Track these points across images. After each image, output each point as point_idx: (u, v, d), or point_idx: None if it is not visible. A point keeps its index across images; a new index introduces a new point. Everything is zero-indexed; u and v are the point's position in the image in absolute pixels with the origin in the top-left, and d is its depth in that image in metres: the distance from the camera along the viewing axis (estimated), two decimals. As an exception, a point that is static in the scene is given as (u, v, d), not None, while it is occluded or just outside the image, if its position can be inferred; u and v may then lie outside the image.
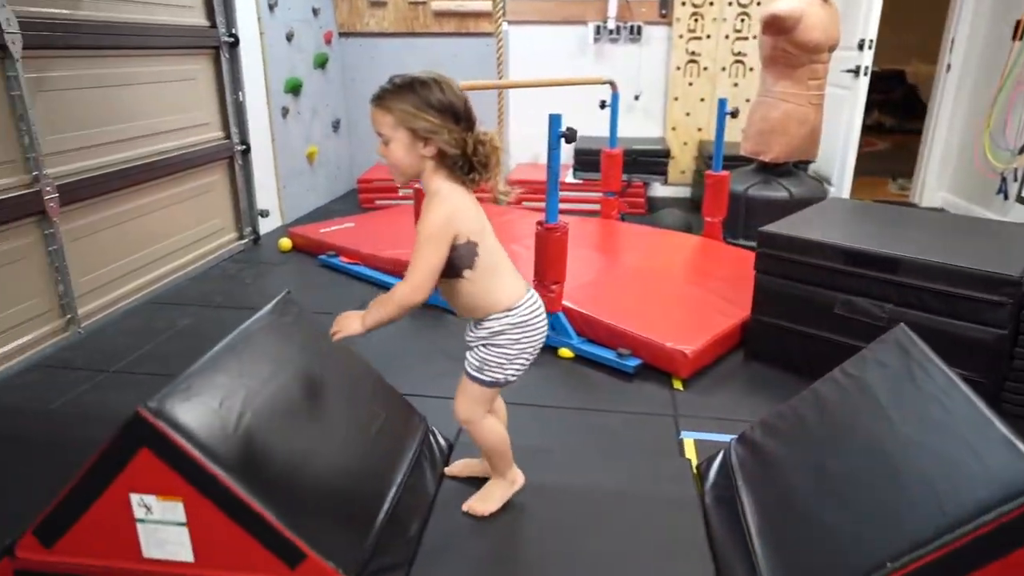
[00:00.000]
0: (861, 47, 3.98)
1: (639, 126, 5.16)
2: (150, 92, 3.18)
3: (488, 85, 3.36)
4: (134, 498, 1.35)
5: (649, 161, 4.72)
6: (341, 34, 5.21)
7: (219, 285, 3.36)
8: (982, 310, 2.03)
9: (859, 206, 2.89)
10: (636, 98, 5.08)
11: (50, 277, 2.64)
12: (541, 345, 1.55)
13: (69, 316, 2.73)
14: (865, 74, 4.01)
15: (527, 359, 1.53)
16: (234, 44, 3.71)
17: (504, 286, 1.48)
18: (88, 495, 1.36)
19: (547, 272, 2.57)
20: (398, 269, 3.32)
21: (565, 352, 2.59)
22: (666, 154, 4.78)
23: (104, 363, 2.53)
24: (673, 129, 5.13)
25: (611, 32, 4.93)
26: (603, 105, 3.92)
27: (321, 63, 4.91)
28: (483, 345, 1.50)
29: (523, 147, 5.31)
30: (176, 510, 1.34)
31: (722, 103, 3.44)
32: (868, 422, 1.49)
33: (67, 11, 2.66)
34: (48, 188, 2.54)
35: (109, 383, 2.39)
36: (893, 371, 1.55)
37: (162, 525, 1.36)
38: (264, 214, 4.12)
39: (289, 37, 4.42)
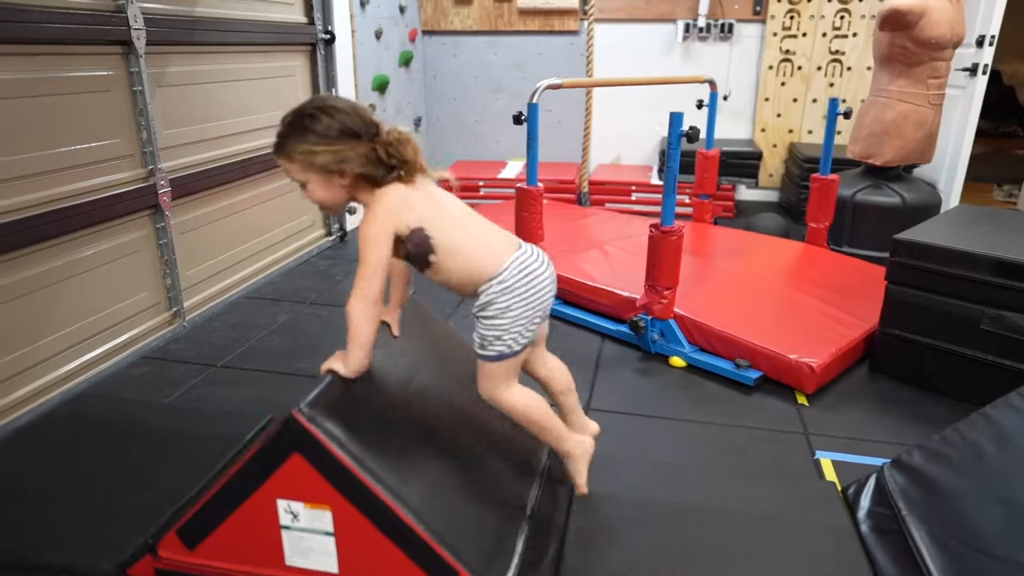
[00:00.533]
0: (980, 43, 3.74)
1: (727, 127, 4.98)
2: (253, 88, 3.19)
3: (588, 83, 3.27)
4: (281, 504, 1.31)
5: (740, 163, 4.55)
6: (424, 32, 5.19)
7: (311, 282, 3.36)
8: None
9: (996, 213, 2.68)
10: (725, 98, 4.88)
11: (160, 270, 2.67)
12: (545, 305, 1.43)
13: (175, 309, 2.75)
14: (983, 73, 3.77)
15: (525, 325, 1.40)
16: (330, 41, 3.72)
17: (479, 256, 1.37)
18: (234, 498, 1.33)
19: (660, 277, 2.46)
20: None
21: (677, 361, 2.48)
22: (758, 156, 4.60)
23: (211, 357, 2.53)
24: (762, 130, 4.94)
25: (700, 30, 4.77)
26: (700, 105, 3.78)
27: (406, 61, 4.90)
28: (477, 319, 1.41)
29: (605, 148, 5.21)
30: (324, 519, 1.30)
31: (833, 103, 3.27)
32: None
33: (185, 8, 2.69)
34: (163, 182, 2.56)
35: (218, 378, 2.39)
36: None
37: (308, 533, 1.32)
38: (351, 211, 4.12)
39: (378, 35, 4.42)
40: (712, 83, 3.68)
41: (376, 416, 1.38)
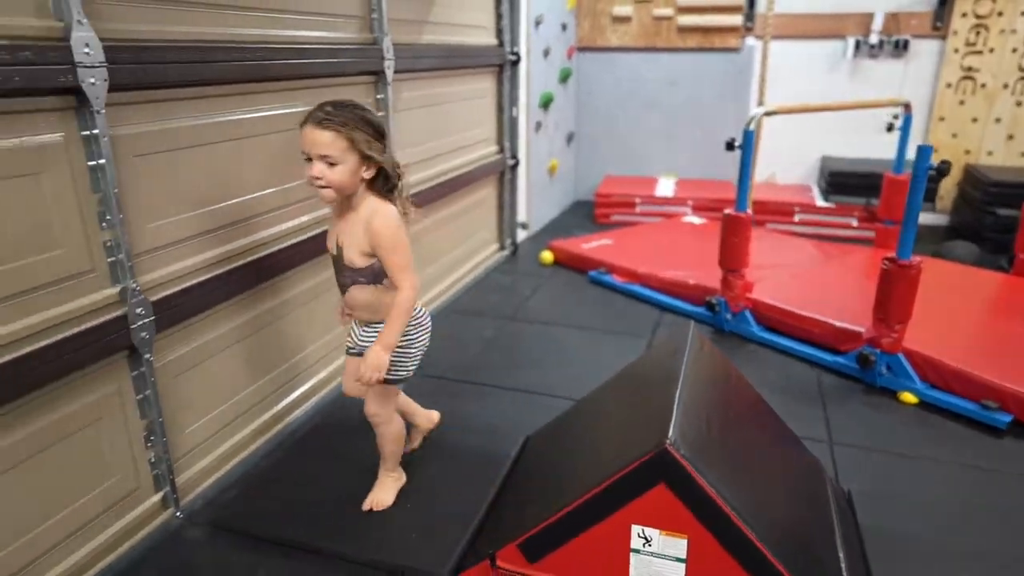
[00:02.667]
0: None
1: (893, 148, 4.82)
2: (457, 109, 3.35)
3: (799, 108, 3.25)
4: (635, 529, 1.38)
5: (915, 185, 4.37)
6: (580, 49, 5.27)
7: (500, 297, 3.48)
8: None
9: None
10: (895, 118, 4.73)
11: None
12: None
13: (395, 320, 2.92)
14: None
15: (419, 357, 1.76)
16: (516, 62, 3.84)
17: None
18: (586, 520, 1.41)
19: (893, 311, 2.42)
20: (682, 291, 3.29)
21: (908, 397, 2.43)
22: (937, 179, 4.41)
23: (437, 371, 2.66)
24: (935, 152, 4.74)
25: (872, 47, 4.64)
26: (891, 128, 3.68)
27: (565, 78, 5.00)
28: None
29: (759, 166, 5.13)
30: (678, 546, 1.36)
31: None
32: None
33: (414, 37, 2.85)
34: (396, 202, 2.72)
35: (450, 391, 2.51)
36: None
37: (658, 559, 1.38)
38: (525, 226, 4.24)
39: (546, 53, 4.53)
40: (907, 106, 3.58)
41: (725, 447, 1.43)
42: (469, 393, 2.50)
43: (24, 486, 1.45)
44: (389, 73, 2.58)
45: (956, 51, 4.51)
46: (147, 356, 1.66)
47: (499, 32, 3.74)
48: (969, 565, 1.60)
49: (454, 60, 3.23)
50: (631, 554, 1.40)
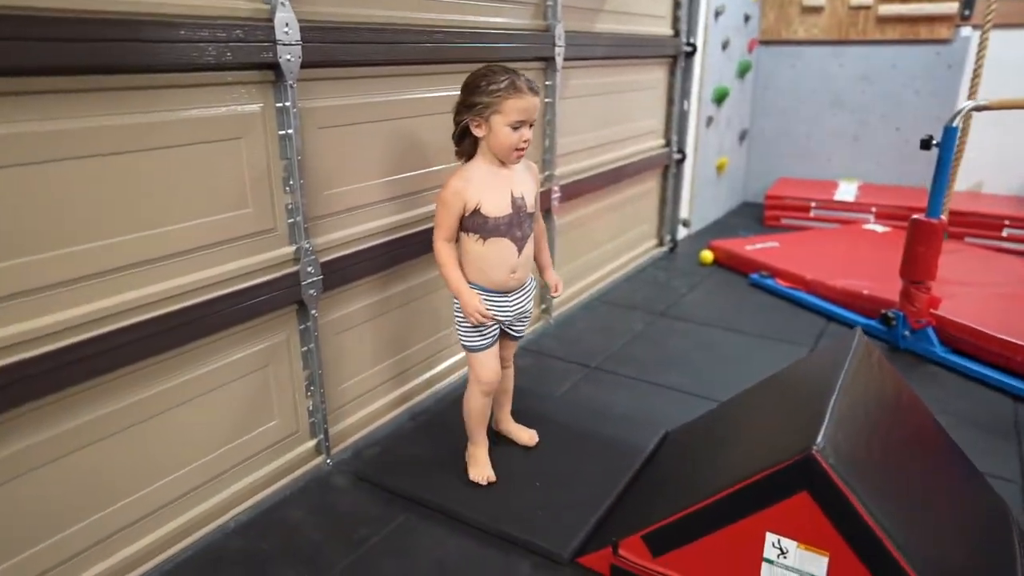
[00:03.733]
0: None
1: None
2: (623, 100, 3.31)
3: (1013, 104, 2.85)
4: (770, 538, 1.29)
5: None
6: (762, 42, 5.00)
7: (654, 292, 3.40)
8: None
9: None
10: None
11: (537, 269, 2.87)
12: None
13: (544, 306, 2.95)
14: None
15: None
16: (690, 53, 3.72)
17: None
18: (717, 519, 1.34)
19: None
20: (854, 301, 3.02)
21: None
22: None
23: (583, 358, 2.66)
24: None
25: (1125, 37, 3.95)
26: None
27: (743, 72, 4.76)
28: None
29: (962, 173, 4.56)
30: (818, 564, 1.25)
31: None
32: None
33: (587, 24, 2.86)
34: (555, 187, 2.75)
35: (594, 378, 2.50)
36: None
37: (792, 573, 1.28)
38: (686, 224, 4.11)
39: (724, 45, 4.34)
40: None
41: (868, 463, 1.30)
42: (612, 383, 2.47)
43: (204, 415, 1.64)
44: (559, 60, 2.60)
45: None
46: (313, 312, 1.81)
47: (675, 22, 3.64)
48: None
49: (626, 49, 3.19)
50: (763, 564, 1.31)
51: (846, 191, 4.68)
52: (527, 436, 1.98)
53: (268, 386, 1.79)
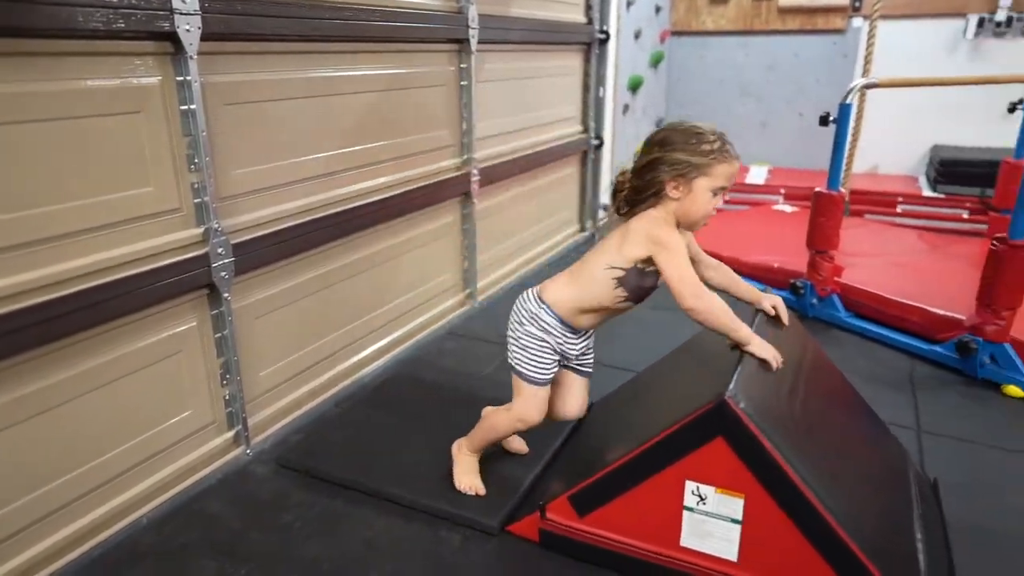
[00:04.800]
0: None
1: (1013, 136, 4.43)
2: (538, 85, 3.34)
3: (907, 82, 3.05)
4: (689, 486, 1.33)
5: (1039, 176, 4.00)
6: (674, 33, 5.15)
7: (577, 274, 3.44)
8: None
9: None
10: (1021, 102, 4.35)
11: (460, 253, 2.87)
12: None
13: (469, 291, 2.95)
14: None
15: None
16: (604, 40, 3.80)
17: None
18: (640, 473, 1.37)
19: (1001, 296, 2.22)
20: (765, 275, 3.15)
21: (1013, 390, 2.23)
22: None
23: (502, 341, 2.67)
24: (1064, 140, 4.32)
25: (998, 25, 4.28)
26: (1012, 108, 3.39)
27: (656, 62, 4.89)
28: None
29: (860, 156, 4.83)
30: (734, 506, 1.30)
31: None
32: None
33: (502, 9, 2.87)
34: (474, 171, 2.76)
35: (520, 358, 2.51)
36: None
37: (712, 518, 1.33)
38: (606, 208, 4.18)
39: (637, 35, 4.45)
40: (1033, 84, 3.27)
41: (788, 410, 1.36)
42: (537, 362, 2.48)
43: (111, 406, 1.55)
44: (473, 42, 2.61)
45: (1095, 30, 4.09)
46: (226, 295, 1.74)
47: (588, 9, 3.70)
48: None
49: (541, 34, 3.22)
50: (684, 512, 1.34)
51: (757, 175, 4.88)
52: (518, 444, 1.84)
53: (181, 374, 1.71)
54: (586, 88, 3.82)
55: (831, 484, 1.32)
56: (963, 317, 2.40)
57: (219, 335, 1.78)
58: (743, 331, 1.41)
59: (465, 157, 2.74)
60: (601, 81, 3.88)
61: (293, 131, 1.94)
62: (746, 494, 1.28)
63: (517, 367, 1.57)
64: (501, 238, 3.22)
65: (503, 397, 2.10)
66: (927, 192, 4.31)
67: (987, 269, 2.26)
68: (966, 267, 3.03)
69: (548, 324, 1.54)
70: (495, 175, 2.99)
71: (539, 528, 1.51)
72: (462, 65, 2.63)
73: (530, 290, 1.61)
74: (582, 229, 4.10)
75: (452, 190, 2.68)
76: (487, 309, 2.98)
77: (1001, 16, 4.23)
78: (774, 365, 1.40)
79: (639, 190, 1.47)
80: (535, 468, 1.75)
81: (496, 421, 1.64)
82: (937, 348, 2.45)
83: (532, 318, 1.55)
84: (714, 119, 5.09)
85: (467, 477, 1.68)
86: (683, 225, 1.48)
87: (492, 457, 1.80)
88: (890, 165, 4.86)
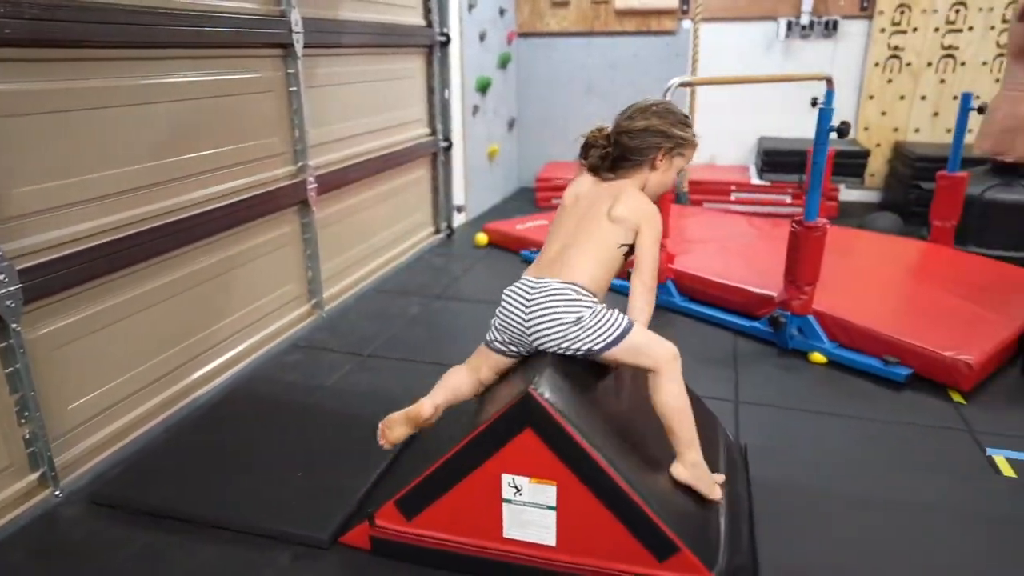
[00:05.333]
0: (1116, 37, 3.58)
1: (827, 126, 4.90)
2: (379, 89, 3.31)
3: (717, 80, 3.28)
4: (505, 479, 1.37)
5: (845, 163, 4.46)
6: (520, 34, 5.27)
7: (432, 277, 3.46)
8: None
9: None
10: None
11: (303, 263, 2.80)
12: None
13: (315, 300, 2.88)
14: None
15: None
16: (445, 43, 3.82)
17: None
18: (458, 472, 1.39)
19: (801, 273, 2.45)
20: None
21: (817, 357, 2.47)
22: (864, 155, 4.51)
23: (357, 346, 2.64)
24: (865, 129, 4.84)
25: (803, 28, 4.71)
26: (815, 103, 3.72)
27: (503, 63, 4.98)
28: None
29: (701, 148, 5.16)
30: (548, 493, 1.35)
31: (966, 98, 3.19)
32: None
33: (331, 12, 2.81)
34: (310, 178, 2.69)
35: (368, 366, 2.49)
36: None
37: (529, 507, 1.37)
38: (460, 209, 4.22)
39: (482, 37, 4.51)
40: (829, 81, 3.63)
41: (594, 398, 1.43)
42: (385, 368, 2.47)
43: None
44: (298, 47, 2.54)
45: (882, 31, 4.60)
46: (14, 326, 1.60)
47: (427, 12, 3.71)
48: (848, 509, 1.62)
49: (376, 38, 3.19)
50: (503, 505, 1.38)
51: (606, 170, 5.08)
52: None
53: (-35, 417, 1.55)
54: (431, 90, 3.83)
55: (643, 465, 1.41)
56: (775, 294, 2.63)
57: (10, 370, 1.63)
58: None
59: (299, 164, 2.67)
60: (446, 83, 3.90)
61: (100, 142, 1.81)
62: (557, 481, 1.33)
63: (616, 338, 1.39)
64: (349, 244, 3.17)
65: (345, 408, 2.08)
66: (756, 180, 4.68)
67: (789, 249, 2.49)
68: (784, 248, 3.31)
69: (591, 300, 1.45)
70: (336, 181, 2.93)
71: (370, 536, 1.50)
72: (289, 70, 2.56)
73: (553, 281, 1.46)
74: (437, 231, 4.11)
75: (287, 199, 2.60)
76: (336, 318, 2.92)
77: (805, 20, 4.66)
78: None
79: (631, 151, 1.52)
80: (372, 475, 1.73)
81: (673, 398, 1.40)
82: (756, 324, 2.66)
83: (577, 302, 1.42)
84: (563, 118, 5.29)
85: (711, 478, 1.48)
86: (652, 194, 1.56)
87: (322, 468, 1.76)
88: (726, 156, 5.23)
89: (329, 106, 2.88)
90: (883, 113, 4.78)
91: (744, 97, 4.92)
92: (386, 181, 3.46)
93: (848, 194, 5.00)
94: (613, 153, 1.54)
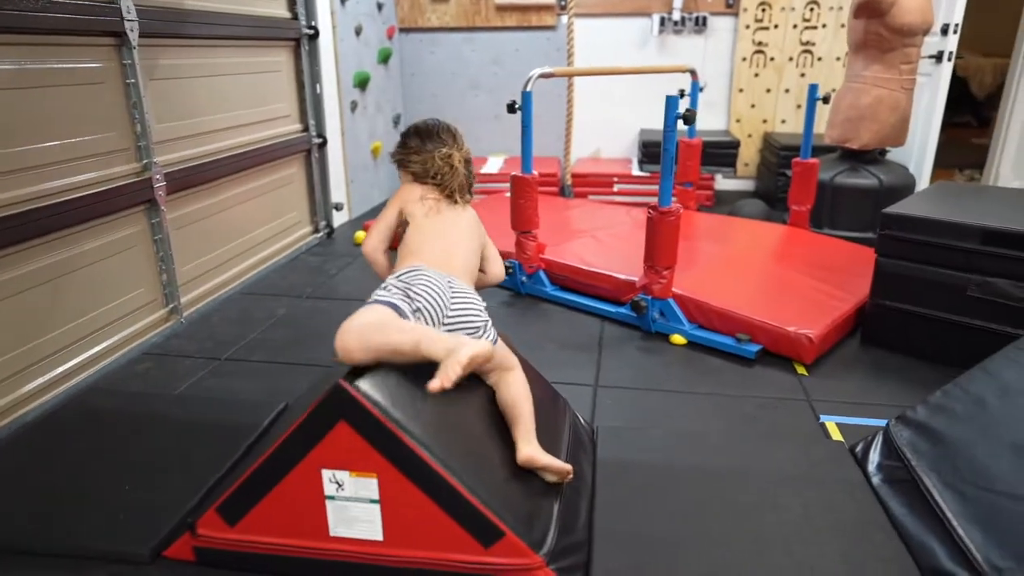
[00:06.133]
0: (945, 32, 3.90)
1: (703, 118, 5.07)
2: (242, 83, 3.18)
3: (577, 72, 3.33)
4: (326, 474, 1.32)
5: (718, 153, 4.65)
6: (402, 29, 5.20)
7: (305, 277, 3.35)
8: None
9: (972, 189, 2.81)
10: (700, 90, 5.00)
11: (155, 266, 2.64)
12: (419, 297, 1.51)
13: (172, 305, 2.73)
14: (949, 59, 3.93)
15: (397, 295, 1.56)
16: (314, 36, 3.71)
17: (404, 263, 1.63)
18: (277, 471, 1.34)
19: (659, 257, 2.52)
20: (486, 259, 3.29)
21: (677, 339, 2.54)
22: (735, 145, 4.71)
23: (214, 351, 2.52)
24: (737, 121, 5.06)
25: (675, 23, 4.87)
26: (682, 94, 3.85)
27: (384, 58, 4.90)
28: None
29: (584, 141, 5.26)
30: (369, 487, 1.31)
31: (812, 89, 3.38)
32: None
33: (175, 2, 2.67)
34: (157, 176, 2.54)
35: (224, 370, 2.38)
36: (1088, 346, 1.49)
37: (353, 502, 1.33)
38: (338, 208, 4.11)
39: (358, 31, 4.42)
40: (693, 72, 3.77)
41: (412, 389, 1.40)
42: (242, 371, 2.37)
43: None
44: (133, 36, 2.39)
45: (747, 27, 4.82)
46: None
47: (292, 4, 3.59)
48: (685, 481, 1.66)
49: (232, 29, 3.06)
50: (327, 502, 1.34)
51: (493, 164, 5.10)
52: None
53: None
54: (301, 85, 3.71)
55: (473, 455, 1.39)
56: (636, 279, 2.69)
57: None
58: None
59: (144, 162, 2.51)
60: (317, 78, 3.79)
61: None
62: (378, 473, 1.30)
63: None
64: (212, 246, 3.02)
65: (189, 416, 1.97)
66: (636, 172, 4.80)
67: (647, 235, 2.55)
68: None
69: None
70: (191, 179, 2.79)
71: (192, 547, 1.42)
72: (125, 61, 2.41)
73: (467, 288, 1.60)
74: (316, 230, 3.99)
75: (130, 198, 2.45)
76: (197, 323, 2.78)
77: (676, 16, 4.82)
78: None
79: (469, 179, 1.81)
80: (203, 487, 1.64)
81: (524, 386, 1.58)
82: (621, 310, 2.72)
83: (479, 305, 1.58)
84: (449, 113, 5.27)
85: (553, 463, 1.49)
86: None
87: (153, 481, 1.66)
88: (610, 150, 5.35)
89: (179, 100, 2.73)
90: (752, 105, 5.01)
91: (626, 92, 5.05)
92: (254, 179, 3.32)
93: (724, 183, 5.23)
94: (465, 183, 1.83)
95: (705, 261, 3.00)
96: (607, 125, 5.26)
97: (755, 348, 2.39)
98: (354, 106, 4.39)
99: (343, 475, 1.31)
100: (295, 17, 3.59)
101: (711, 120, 5.12)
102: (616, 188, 4.76)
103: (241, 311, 2.90)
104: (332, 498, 1.34)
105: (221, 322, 2.79)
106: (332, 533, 1.36)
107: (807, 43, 4.81)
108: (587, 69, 3.79)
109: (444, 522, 1.31)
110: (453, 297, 1.52)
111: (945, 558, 1.36)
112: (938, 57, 3.97)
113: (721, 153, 4.65)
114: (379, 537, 1.35)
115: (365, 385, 1.28)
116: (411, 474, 1.29)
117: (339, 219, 4.22)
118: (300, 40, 3.64)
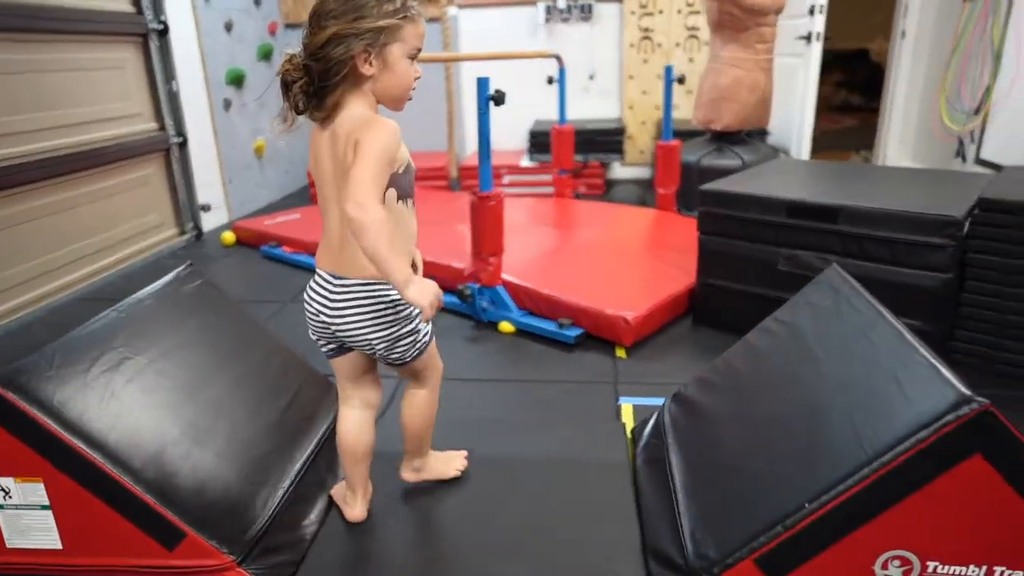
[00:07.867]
0: (812, 12, 3.92)
1: (595, 107, 5.08)
2: (75, 80, 3.04)
3: (436, 58, 3.25)
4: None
5: (604, 140, 4.63)
6: (287, 25, 5.08)
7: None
8: (925, 254, 1.95)
9: (808, 164, 2.82)
10: (591, 78, 5.00)
11: (-38, 273, 2.51)
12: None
13: (-15, 314, 2.59)
14: (818, 40, 3.95)
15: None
16: (163, 32, 3.58)
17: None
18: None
19: (484, 244, 2.46)
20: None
21: (505, 326, 2.49)
22: (620, 132, 4.69)
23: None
24: (630, 108, 5.05)
25: (562, 12, 4.84)
26: (551, 81, 3.82)
27: (265, 55, 4.78)
28: None
29: (476, 135, 5.19)
30: (37, 492, 1.23)
31: (668, 70, 3.36)
32: (795, 365, 1.41)
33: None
34: (-46, 177, 2.41)
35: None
36: (822, 310, 1.47)
37: (24, 510, 1.24)
38: (206, 208, 3.98)
39: (228, 27, 4.29)
40: (559, 59, 3.72)
41: (105, 381, 1.32)
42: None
43: None
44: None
45: (632, 13, 4.81)
46: None
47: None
48: (475, 470, 1.61)
49: (54, 23, 2.91)
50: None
51: (386, 161, 5.00)
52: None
53: None
54: (152, 83, 3.58)
55: (152, 446, 1.29)
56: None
57: None
58: (403, 273, 1.12)
59: (-60, 162, 2.38)
60: (171, 75, 3.66)
61: None
62: (43, 478, 1.21)
63: (406, 351, 1.35)
64: (39, 251, 2.88)
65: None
66: (526, 163, 4.76)
67: (472, 221, 2.49)
68: (530, 223, 3.35)
69: (378, 290, 1.29)
70: (12, 180, 2.65)
71: None
72: (-95, 56, 2.27)
73: (327, 278, 1.34)
74: (182, 232, 3.86)
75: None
76: (12, 334, 2.64)
77: (562, 4, 4.79)
78: (429, 314, 1.14)
79: (322, 75, 1.20)
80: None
81: (430, 409, 1.52)
82: (452, 299, 2.66)
83: (361, 298, 1.28)
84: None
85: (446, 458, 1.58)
86: (389, 106, 1.27)
87: None
88: (506, 143, 5.29)
89: (8, 96, 2.59)
90: (644, 92, 5.00)
91: (515, 83, 4.98)
92: (98, 180, 3.19)
93: (624, 171, 5.20)
94: (306, 85, 1.24)
95: (553, 248, 2.96)
96: (502, 118, 5.17)
97: (575, 332, 2.34)
98: (228, 104, 4.26)
99: (8, 481, 1.22)
100: (139, 12, 3.46)
101: (605, 108, 5.10)
102: (506, 180, 4.71)
103: (70, 320, 2.76)
104: (2, 507, 1.24)
105: (41, 331, 2.66)
106: (9, 545, 1.27)
107: (692, 28, 4.81)
108: (446, 56, 3.73)
109: (122, 526, 1.22)
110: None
111: (667, 540, 1.32)
112: (808, 38, 4.00)
113: (607, 140, 4.63)
114: (58, 545, 1.26)
115: (27, 382, 1.19)
116: (78, 477, 1.20)
117: (214, 220, 4.09)
118: (148, 36, 3.51)
